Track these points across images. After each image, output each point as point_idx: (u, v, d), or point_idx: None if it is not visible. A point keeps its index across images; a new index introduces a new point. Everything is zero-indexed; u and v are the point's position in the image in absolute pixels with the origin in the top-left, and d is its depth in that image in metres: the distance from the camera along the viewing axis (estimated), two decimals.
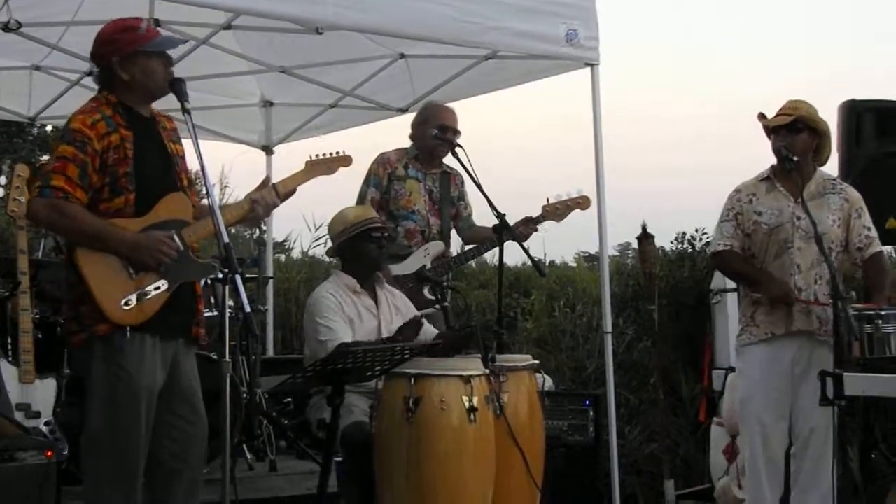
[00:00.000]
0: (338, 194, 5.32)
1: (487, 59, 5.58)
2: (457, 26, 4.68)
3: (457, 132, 4.90)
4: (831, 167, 4.65)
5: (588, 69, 5.18)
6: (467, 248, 5.42)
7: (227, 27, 5.29)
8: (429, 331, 4.31)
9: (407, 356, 3.72)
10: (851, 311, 3.74)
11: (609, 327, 5.25)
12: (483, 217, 5.03)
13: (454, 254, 5.20)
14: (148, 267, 3.29)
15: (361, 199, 4.93)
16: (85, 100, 3.51)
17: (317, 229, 9.16)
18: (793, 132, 4.25)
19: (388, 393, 3.75)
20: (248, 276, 5.74)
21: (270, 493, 5.00)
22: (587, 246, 10.11)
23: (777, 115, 4.29)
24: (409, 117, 5.29)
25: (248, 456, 5.39)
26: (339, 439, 3.79)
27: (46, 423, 4.29)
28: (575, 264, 10.26)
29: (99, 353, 3.27)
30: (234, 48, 5.99)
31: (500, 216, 4.29)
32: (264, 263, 6.99)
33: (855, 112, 5.28)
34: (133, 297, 3.24)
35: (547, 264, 9.85)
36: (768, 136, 4.34)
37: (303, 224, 9.63)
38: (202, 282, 3.79)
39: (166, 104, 3.56)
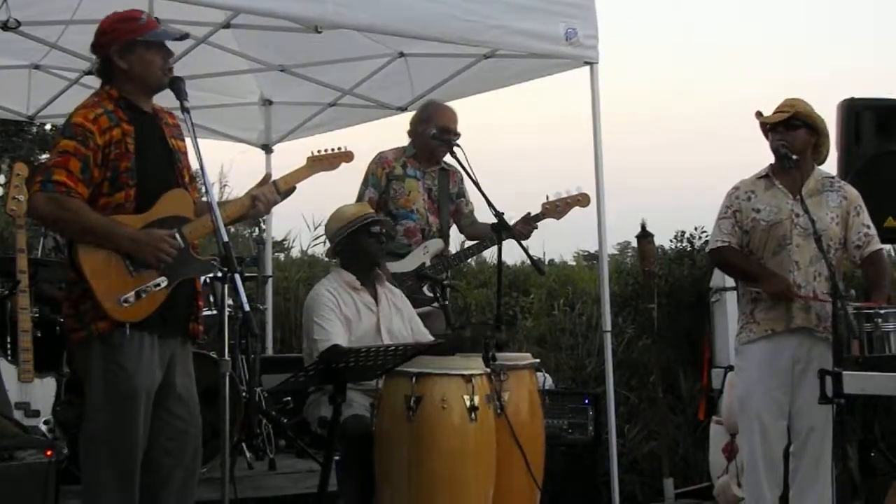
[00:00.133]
0: (337, 193, 5.33)
1: (486, 57, 5.58)
2: (456, 25, 4.67)
3: (457, 134, 4.87)
4: (830, 166, 4.66)
5: (587, 68, 5.18)
6: (467, 245, 5.41)
7: (227, 26, 5.28)
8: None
9: (408, 356, 3.71)
10: (851, 309, 3.74)
11: (608, 326, 5.25)
12: (482, 216, 5.04)
13: (453, 252, 5.20)
14: (148, 264, 3.28)
15: (360, 201, 4.91)
16: (84, 98, 3.49)
17: (316, 228, 9.19)
18: (790, 129, 4.24)
19: (388, 392, 3.75)
20: (247, 274, 5.75)
21: (270, 492, 5.01)
22: (586, 245, 10.16)
23: (774, 113, 4.29)
24: (409, 116, 5.28)
25: (248, 455, 5.39)
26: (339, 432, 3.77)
27: (45, 422, 4.30)
28: (574, 263, 10.28)
29: (98, 350, 3.27)
30: (233, 47, 5.99)
31: (499, 215, 4.29)
32: (263, 262, 7.00)
33: (854, 111, 5.28)
34: (132, 295, 3.23)
35: (546, 263, 9.87)
36: (766, 134, 4.33)
37: (302, 223, 9.69)
38: (201, 280, 3.78)
39: (166, 104, 3.56)
